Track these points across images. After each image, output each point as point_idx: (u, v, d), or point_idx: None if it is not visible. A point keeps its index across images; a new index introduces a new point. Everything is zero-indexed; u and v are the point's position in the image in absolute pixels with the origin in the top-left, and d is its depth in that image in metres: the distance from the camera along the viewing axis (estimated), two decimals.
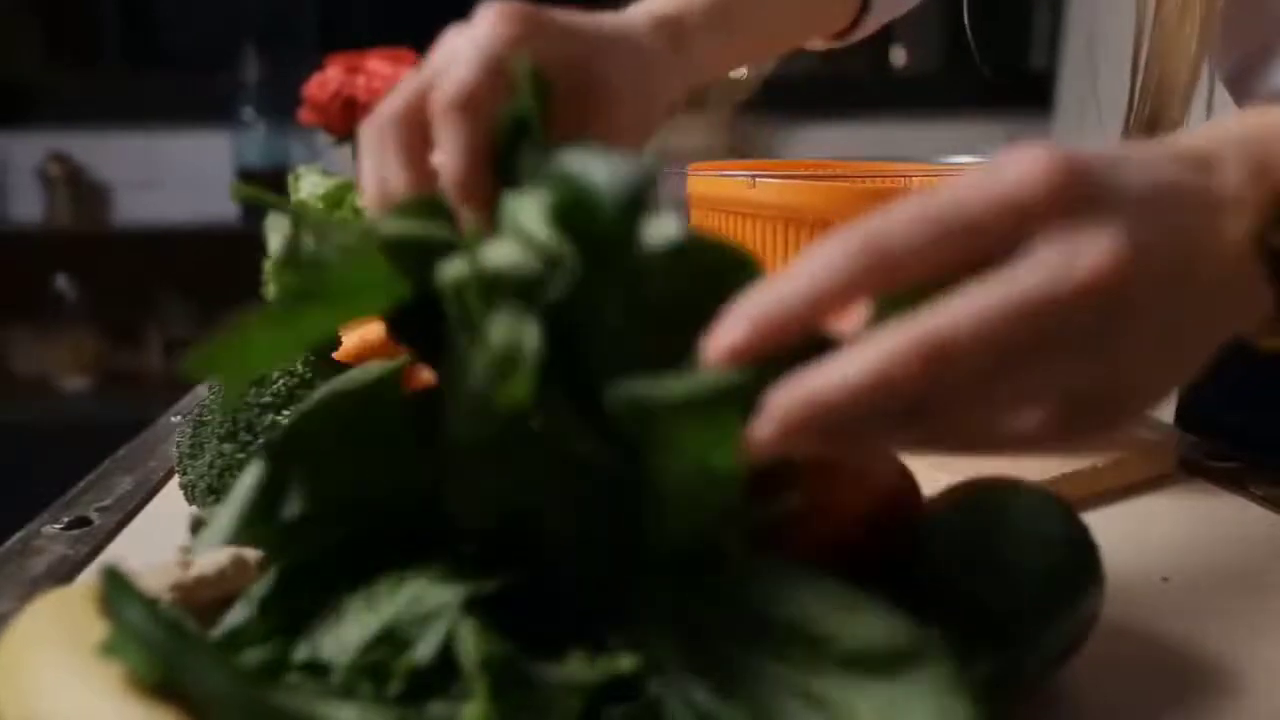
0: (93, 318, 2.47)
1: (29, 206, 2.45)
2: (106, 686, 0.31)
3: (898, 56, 2.72)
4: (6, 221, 2.47)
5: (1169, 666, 0.41)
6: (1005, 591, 0.36)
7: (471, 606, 0.34)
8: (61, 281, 2.44)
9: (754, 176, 0.60)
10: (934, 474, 0.59)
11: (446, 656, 0.33)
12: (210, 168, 2.43)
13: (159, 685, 0.30)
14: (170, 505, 0.57)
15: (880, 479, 0.40)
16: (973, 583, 0.36)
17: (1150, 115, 0.61)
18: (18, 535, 0.53)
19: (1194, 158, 0.31)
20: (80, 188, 2.45)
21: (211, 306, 2.39)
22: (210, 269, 1.98)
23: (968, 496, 0.40)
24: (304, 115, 1.21)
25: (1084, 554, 0.38)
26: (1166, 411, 0.80)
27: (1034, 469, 0.59)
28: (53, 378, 2.46)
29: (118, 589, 0.29)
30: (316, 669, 0.34)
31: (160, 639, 0.28)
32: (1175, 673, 0.40)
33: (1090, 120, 0.62)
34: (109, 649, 0.29)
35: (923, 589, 0.36)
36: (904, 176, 0.60)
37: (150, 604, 0.29)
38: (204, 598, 0.40)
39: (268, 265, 1.07)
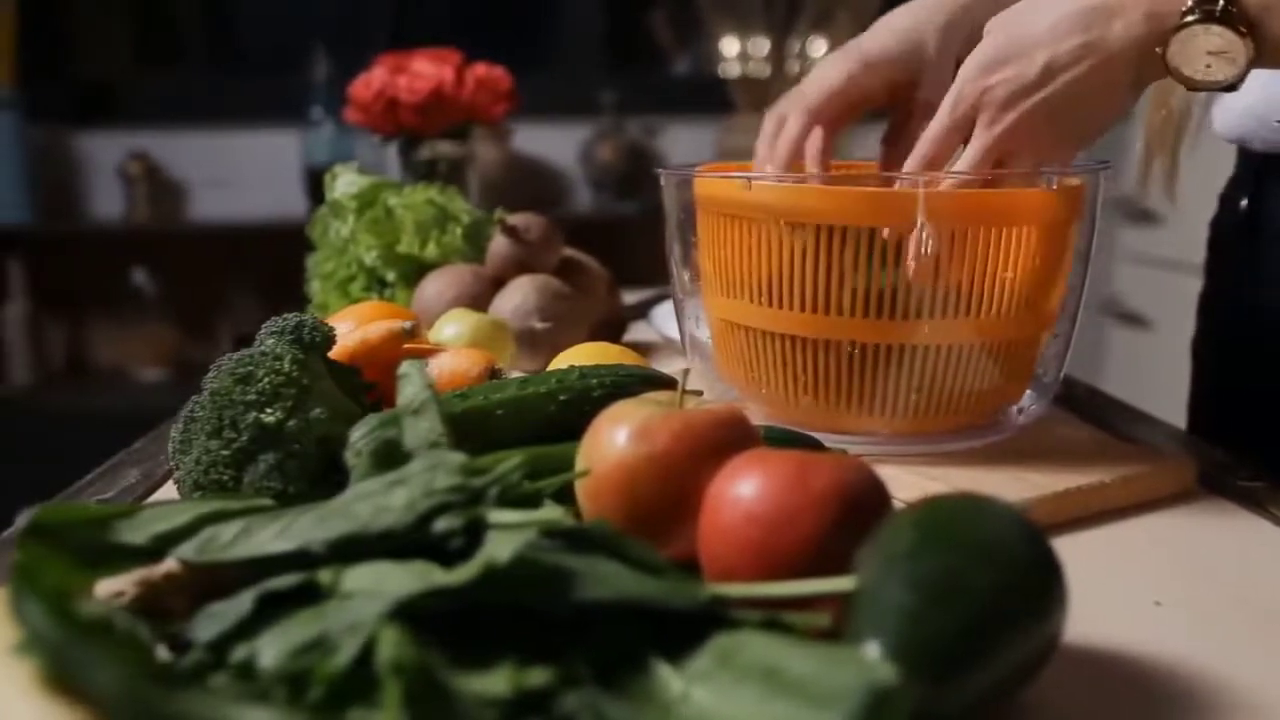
0: (168, 311, 2.55)
1: (109, 204, 2.54)
2: (28, 684, 0.31)
3: None
4: (88, 218, 2.57)
5: (1148, 695, 0.38)
6: (955, 608, 0.34)
7: (401, 615, 0.33)
8: (139, 276, 2.53)
9: (749, 178, 0.58)
10: (926, 484, 0.57)
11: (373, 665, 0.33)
12: (280, 166, 2.49)
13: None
14: (169, 499, 0.58)
15: (833, 486, 0.39)
16: (918, 597, 0.34)
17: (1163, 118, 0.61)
18: (14, 526, 0.54)
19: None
20: (158, 186, 2.53)
21: (280, 301, 2.45)
22: (279, 265, 2.02)
23: (932, 509, 0.38)
24: (348, 114, 1.22)
25: (1045, 575, 0.36)
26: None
27: (1039, 482, 0.56)
28: (130, 368, 2.55)
29: (21, 588, 0.29)
30: (249, 672, 0.34)
31: (56, 639, 0.28)
32: (1151, 702, 0.38)
33: None
34: (20, 648, 0.30)
35: (867, 601, 0.35)
36: (905, 177, 0.58)
37: (55, 603, 0.29)
38: (173, 594, 0.40)
39: (309, 261, 1.09)
